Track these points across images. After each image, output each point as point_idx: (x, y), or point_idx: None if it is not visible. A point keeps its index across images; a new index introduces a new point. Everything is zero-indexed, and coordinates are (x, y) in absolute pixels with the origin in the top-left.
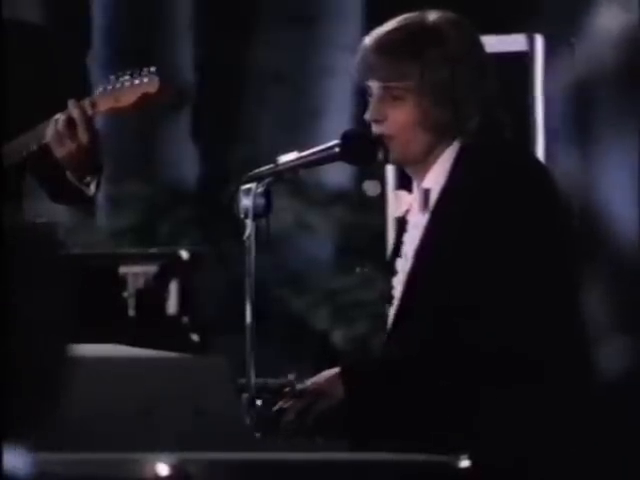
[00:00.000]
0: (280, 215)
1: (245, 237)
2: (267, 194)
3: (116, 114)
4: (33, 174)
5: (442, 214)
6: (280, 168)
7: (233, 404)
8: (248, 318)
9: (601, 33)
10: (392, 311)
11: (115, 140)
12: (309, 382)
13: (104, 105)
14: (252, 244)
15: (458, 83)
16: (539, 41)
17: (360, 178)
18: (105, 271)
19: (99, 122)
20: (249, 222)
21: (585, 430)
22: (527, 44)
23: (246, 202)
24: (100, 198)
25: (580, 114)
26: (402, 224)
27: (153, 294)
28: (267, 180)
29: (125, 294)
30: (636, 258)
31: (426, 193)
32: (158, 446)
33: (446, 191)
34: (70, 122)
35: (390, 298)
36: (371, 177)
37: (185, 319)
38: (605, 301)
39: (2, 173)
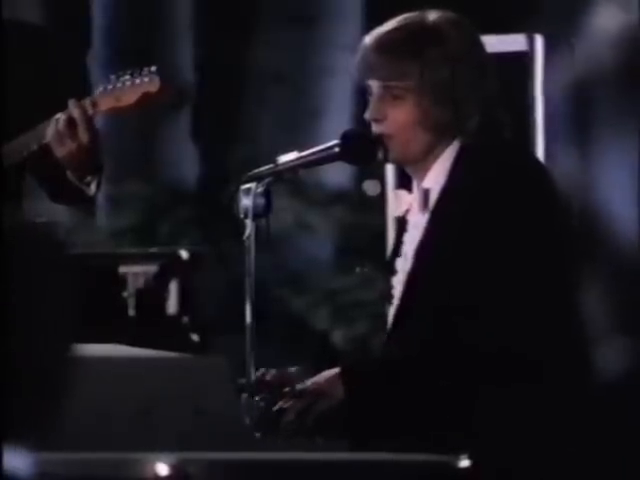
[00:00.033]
0: (280, 215)
1: (245, 237)
2: (267, 194)
3: (117, 114)
4: (33, 174)
5: (442, 214)
6: (280, 168)
7: (233, 404)
8: (248, 318)
9: (601, 33)
10: (392, 311)
11: (115, 140)
12: (309, 382)
13: (105, 105)
14: (252, 244)
15: (458, 83)
16: (539, 41)
17: (360, 178)
18: (105, 271)
19: (99, 122)
20: (249, 222)
21: (584, 430)
22: (527, 44)
23: (246, 202)
24: (100, 198)
25: (580, 114)
26: (402, 224)
27: (153, 294)
28: (267, 180)
29: (125, 294)
30: (635, 258)
31: (426, 193)
32: (158, 446)
33: (446, 191)
34: (71, 122)
35: (390, 297)
36: (371, 177)
37: (185, 319)
38: (604, 301)
39: (2, 173)
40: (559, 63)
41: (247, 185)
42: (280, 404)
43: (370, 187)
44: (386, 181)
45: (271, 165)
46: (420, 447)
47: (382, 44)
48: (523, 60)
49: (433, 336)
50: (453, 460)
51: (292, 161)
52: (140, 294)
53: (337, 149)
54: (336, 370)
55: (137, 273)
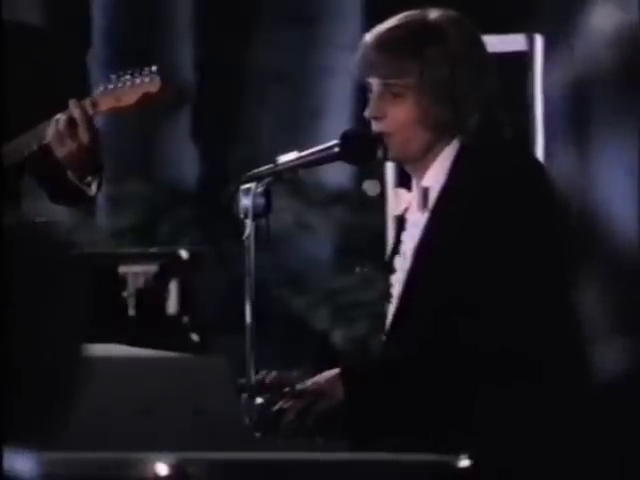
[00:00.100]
0: (280, 215)
1: (245, 237)
2: (267, 194)
3: (117, 114)
4: (33, 174)
5: (442, 213)
6: (280, 168)
7: (233, 404)
8: (248, 318)
9: (600, 33)
10: (391, 310)
11: (115, 140)
12: (309, 382)
13: (105, 105)
14: (252, 244)
15: (458, 81)
16: (539, 41)
17: (360, 178)
18: (105, 271)
19: (99, 122)
20: (249, 222)
21: (583, 430)
22: (527, 44)
23: (246, 202)
24: (100, 198)
25: (579, 113)
26: (401, 222)
27: (153, 294)
28: (267, 180)
29: (125, 294)
30: (634, 258)
31: (425, 191)
32: (158, 446)
33: (446, 190)
34: (71, 122)
35: (389, 296)
36: (371, 177)
37: (185, 319)
38: (603, 301)
39: (2, 173)
40: (559, 63)
41: (247, 185)
42: (280, 404)
43: (370, 187)
44: (386, 181)
45: (271, 165)
46: (420, 447)
47: (382, 42)
48: (523, 60)
49: (432, 335)
50: (453, 460)
51: (292, 161)
52: (140, 294)
53: (337, 149)
54: (336, 370)
55: (137, 273)
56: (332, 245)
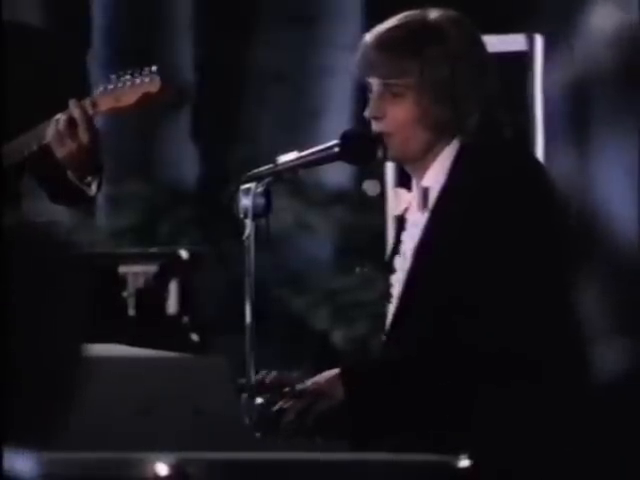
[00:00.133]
0: (280, 215)
1: (245, 237)
2: (267, 194)
3: (117, 114)
4: (33, 174)
5: (442, 213)
6: (280, 168)
7: (233, 404)
8: (248, 318)
9: (600, 33)
10: (391, 310)
11: (115, 140)
12: (309, 382)
13: (105, 105)
14: (252, 244)
15: (458, 81)
16: (539, 41)
17: (360, 178)
18: (105, 271)
19: (99, 122)
20: (249, 222)
21: (583, 430)
22: (527, 44)
23: (246, 202)
24: (100, 198)
25: (579, 113)
26: (401, 222)
27: (153, 294)
28: (267, 180)
29: (125, 294)
30: (634, 258)
31: (425, 191)
32: (158, 446)
33: (446, 190)
34: (71, 122)
35: (389, 296)
36: (371, 177)
37: (185, 319)
38: (603, 301)
39: (2, 173)
40: (559, 63)
41: (247, 185)
42: (280, 404)
43: (370, 187)
44: (386, 181)
45: (271, 165)
46: (420, 447)
47: (382, 42)
48: (523, 60)
49: (432, 335)
50: (453, 460)
51: (292, 161)
52: (140, 294)
53: (337, 149)
54: (336, 370)
55: (137, 273)
56: (332, 245)
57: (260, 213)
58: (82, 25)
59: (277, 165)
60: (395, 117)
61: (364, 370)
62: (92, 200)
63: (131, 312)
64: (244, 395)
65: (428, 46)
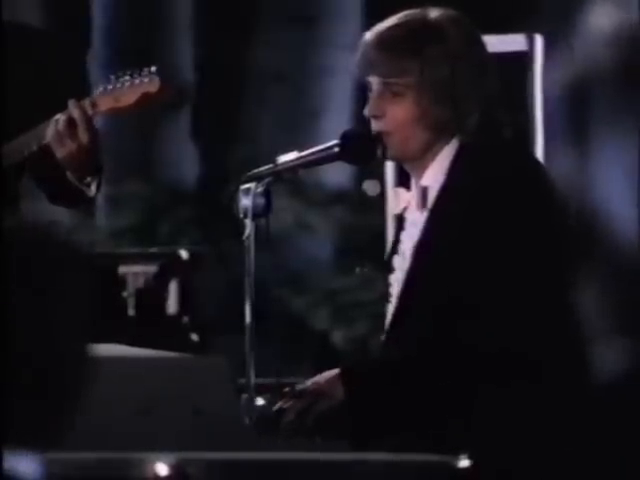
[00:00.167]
0: (280, 215)
1: (245, 237)
2: (267, 194)
3: (116, 114)
4: (32, 175)
5: (441, 213)
6: (280, 168)
7: (233, 404)
8: (248, 318)
9: (600, 33)
10: (390, 310)
11: (115, 140)
12: (309, 382)
13: (104, 105)
14: (252, 244)
15: (458, 81)
16: (538, 41)
17: (360, 178)
18: (105, 271)
19: (99, 122)
20: (249, 222)
21: (583, 430)
22: (527, 44)
23: (246, 202)
24: (100, 198)
25: (579, 113)
26: (400, 221)
27: (153, 294)
28: (267, 180)
29: (125, 294)
30: (634, 258)
31: (424, 191)
32: (158, 446)
33: (445, 189)
34: (70, 122)
35: (388, 296)
36: (371, 177)
37: (185, 319)
38: (603, 301)
39: (2, 173)
40: (558, 63)
41: (247, 185)
42: (280, 404)
43: (370, 187)
44: (386, 181)
45: (271, 165)
46: (420, 447)
47: (382, 41)
48: (523, 60)
49: (432, 335)
50: (453, 460)
51: (292, 161)
52: (140, 294)
53: (337, 149)
54: (336, 370)
55: (137, 273)
56: (332, 245)
57: (260, 213)
58: (82, 25)
59: (277, 165)
60: (395, 116)
61: (364, 370)
62: (91, 201)
63: (131, 312)
64: (244, 395)
65: (428, 45)
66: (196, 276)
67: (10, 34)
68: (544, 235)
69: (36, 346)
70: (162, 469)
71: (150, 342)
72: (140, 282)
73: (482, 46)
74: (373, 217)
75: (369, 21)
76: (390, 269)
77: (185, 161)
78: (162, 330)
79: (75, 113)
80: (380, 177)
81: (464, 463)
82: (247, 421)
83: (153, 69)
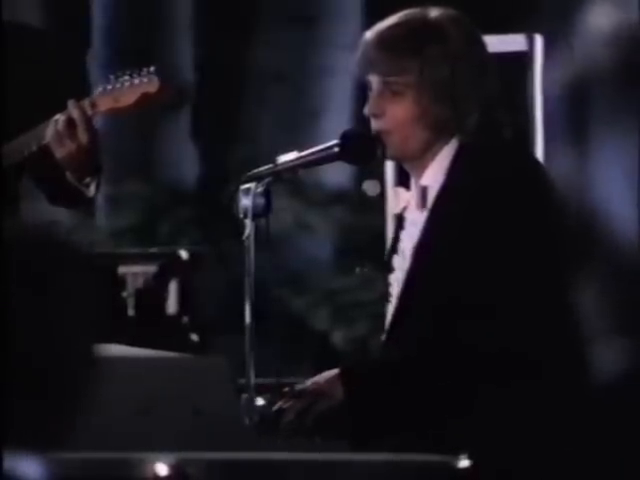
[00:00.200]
0: (280, 215)
1: (245, 237)
2: (267, 194)
3: (116, 114)
4: (32, 176)
5: (441, 213)
6: (279, 168)
7: (233, 404)
8: (248, 318)
9: (600, 33)
10: (390, 310)
11: (115, 140)
12: (309, 382)
13: (104, 105)
14: (252, 244)
15: (458, 81)
16: (538, 41)
17: (360, 178)
18: (105, 271)
19: (99, 122)
20: (249, 222)
21: (583, 430)
22: (527, 44)
23: (245, 202)
24: (100, 198)
25: (579, 113)
26: (399, 221)
27: (153, 294)
28: (266, 180)
29: (124, 294)
30: (634, 258)
31: (424, 190)
32: (157, 446)
33: (445, 189)
34: (70, 122)
35: (387, 296)
36: (371, 177)
37: (185, 319)
38: (602, 301)
39: (2, 173)
40: (558, 63)
41: (247, 185)
42: (280, 404)
43: (370, 187)
44: (386, 181)
45: (271, 165)
46: (420, 447)
47: (383, 40)
48: (523, 60)
49: (432, 335)
50: (453, 460)
51: (292, 161)
52: (140, 294)
53: (337, 149)
54: (336, 370)
55: (137, 273)
56: (332, 245)
57: (260, 213)
58: (82, 25)
59: (277, 165)
60: (394, 115)
61: (364, 370)
62: (90, 201)
63: (131, 312)
64: (244, 395)
65: (428, 45)
66: (196, 276)
67: (10, 34)
68: (544, 235)
69: (36, 346)
70: (162, 469)
71: (150, 342)
72: (140, 282)
73: (482, 46)
74: (373, 217)
75: (369, 21)
76: (390, 269)
77: (185, 161)
78: (162, 330)
79: (74, 113)
80: (380, 177)
81: (464, 463)
82: (247, 421)
83: (152, 69)
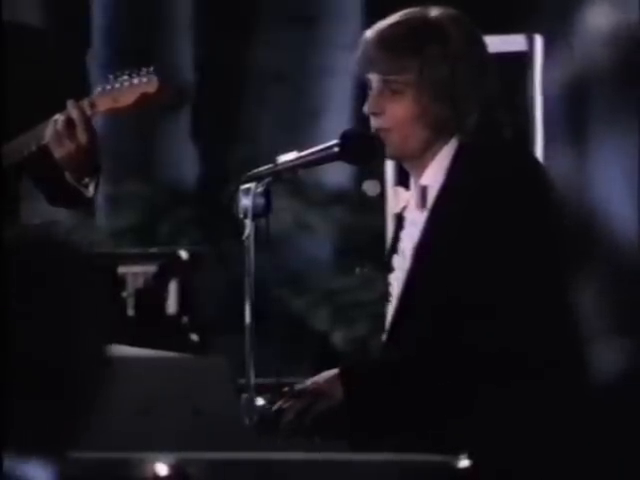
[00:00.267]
0: (280, 215)
1: (245, 237)
2: (267, 194)
3: (115, 114)
4: (31, 176)
5: (441, 213)
6: (279, 168)
7: (233, 404)
8: (248, 318)
9: (600, 33)
10: (390, 310)
11: (114, 140)
12: (308, 382)
13: (103, 105)
14: (252, 244)
15: (458, 80)
16: (538, 41)
17: (360, 178)
18: (104, 271)
19: (98, 122)
20: (249, 222)
21: (583, 430)
22: (526, 44)
23: (245, 202)
24: (100, 198)
25: (579, 113)
26: (399, 220)
27: (153, 294)
28: (266, 180)
29: (124, 294)
30: (634, 258)
31: (423, 190)
32: (157, 446)
33: (445, 189)
34: (69, 122)
35: (387, 296)
36: (371, 177)
37: (185, 319)
38: (602, 301)
39: (2, 173)
40: (558, 63)
41: (247, 185)
42: (279, 404)
43: (370, 187)
44: (386, 181)
45: (271, 165)
46: (420, 447)
47: (383, 39)
48: (523, 60)
49: (432, 335)
50: (453, 460)
51: (292, 161)
52: (139, 294)
53: (336, 149)
54: (335, 370)
55: (137, 273)
56: (332, 245)
57: (260, 213)
58: (82, 25)
59: (277, 165)
60: (394, 114)
61: (363, 370)
62: (90, 201)
63: (130, 312)
64: (244, 395)
65: (428, 45)
66: (196, 276)
67: (10, 34)
68: (543, 235)
69: (36, 347)
70: (162, 469)
71: (150, 342)
72: (140, 282)
73: (482, 46)
74: (373, 217)
75: (369, 21)
76: (390, 269)
77: (185, 161)
78: (162, 330)
79: (74, 113)
80: (380, 177)
81: (464, 463)
82: (247, 421)
83: (152, 69)
